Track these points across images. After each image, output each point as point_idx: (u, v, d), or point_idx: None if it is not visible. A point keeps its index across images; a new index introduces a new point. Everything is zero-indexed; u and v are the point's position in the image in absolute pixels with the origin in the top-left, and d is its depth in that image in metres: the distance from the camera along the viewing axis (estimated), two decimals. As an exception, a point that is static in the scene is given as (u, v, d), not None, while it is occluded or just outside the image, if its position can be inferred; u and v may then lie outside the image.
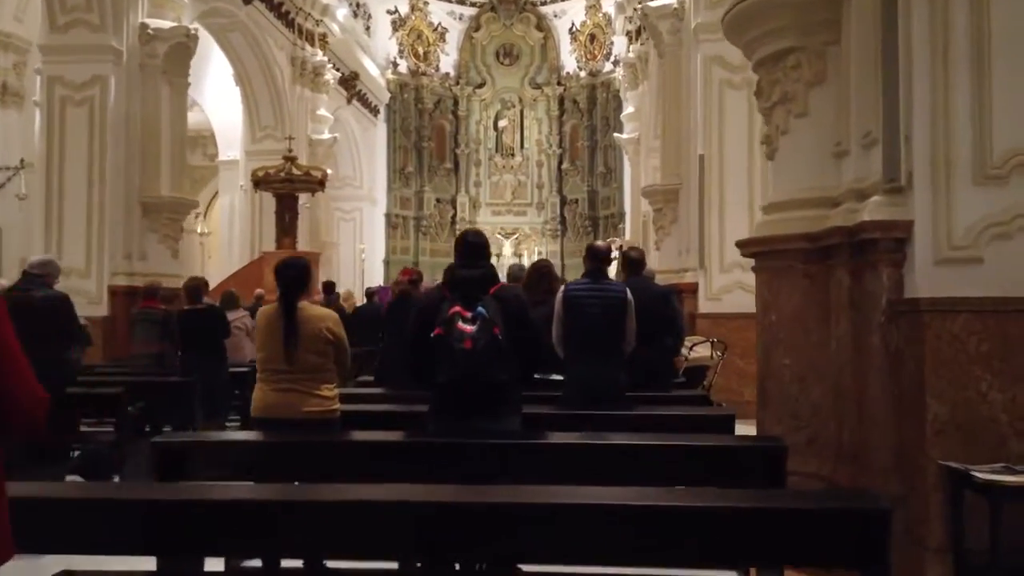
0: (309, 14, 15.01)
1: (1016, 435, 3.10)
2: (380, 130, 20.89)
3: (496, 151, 22.31)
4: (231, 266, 14.70)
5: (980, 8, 3.22)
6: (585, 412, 4.03)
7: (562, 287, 4.38)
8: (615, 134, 17.56)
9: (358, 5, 19.31)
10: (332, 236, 19.67)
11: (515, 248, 21.42)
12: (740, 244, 4.27)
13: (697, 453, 3.33)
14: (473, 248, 3.39)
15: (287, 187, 13.70)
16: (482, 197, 22.20)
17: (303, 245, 14.69)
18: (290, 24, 14.64)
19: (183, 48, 9.73)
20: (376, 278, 19.20)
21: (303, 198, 14.58)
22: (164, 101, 9.75)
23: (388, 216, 20.98)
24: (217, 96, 15.43)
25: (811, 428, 3.83)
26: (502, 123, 22.27)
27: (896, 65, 3.32)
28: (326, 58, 15.62)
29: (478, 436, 3.25)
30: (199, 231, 18.73)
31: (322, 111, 15.56)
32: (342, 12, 15.93)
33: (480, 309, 3.15)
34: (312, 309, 3.58)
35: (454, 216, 21.77)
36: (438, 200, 21.83)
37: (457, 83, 22.01)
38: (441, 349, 3.14)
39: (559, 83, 21.84)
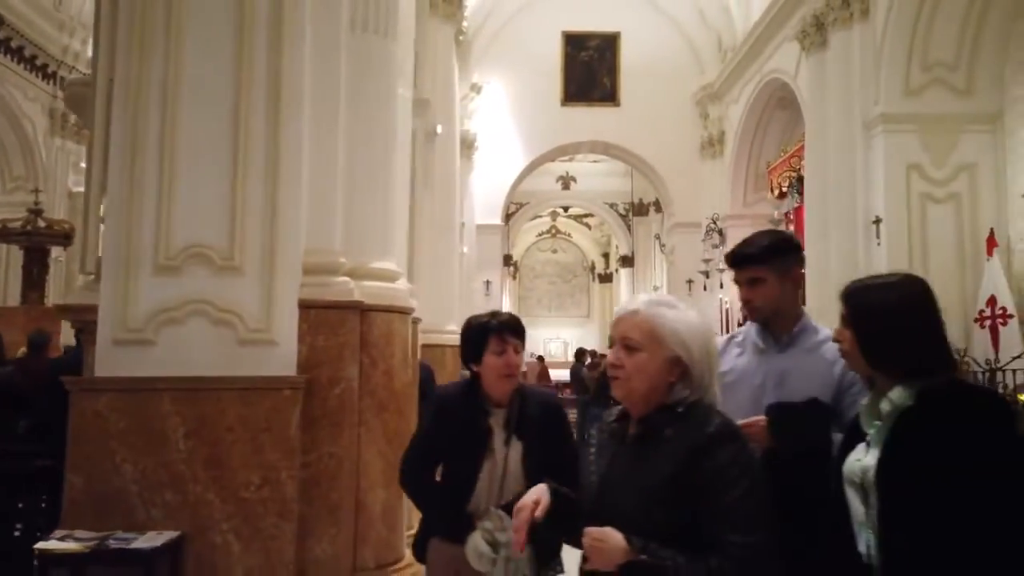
0: (73, 67, 15.01)
1: (144, 504, 3.36)
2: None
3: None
4: (-22, 320, 14.30)
5: (167, 119, 3.58)
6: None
7: None
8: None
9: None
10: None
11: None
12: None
13: None
14: None
15: (25, 240, 13.55)
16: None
17: (55, 300, 14.44)
18: (48, 76, 14.61)
19: None
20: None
21: (56, 251, 14.42)
22: None
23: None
24: (-25, 145, 15.18)
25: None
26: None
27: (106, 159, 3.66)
28: (96, 111, 15.59)
29: None
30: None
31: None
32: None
33: None
34: None
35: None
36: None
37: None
38: None
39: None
